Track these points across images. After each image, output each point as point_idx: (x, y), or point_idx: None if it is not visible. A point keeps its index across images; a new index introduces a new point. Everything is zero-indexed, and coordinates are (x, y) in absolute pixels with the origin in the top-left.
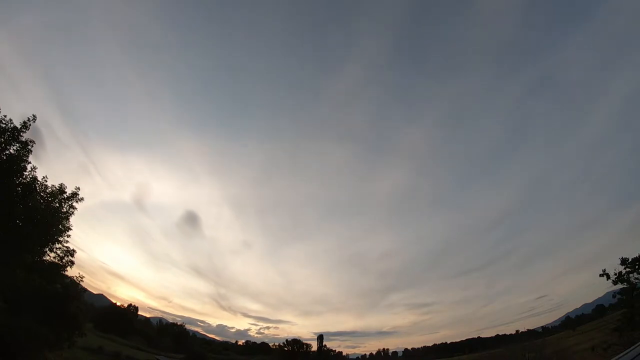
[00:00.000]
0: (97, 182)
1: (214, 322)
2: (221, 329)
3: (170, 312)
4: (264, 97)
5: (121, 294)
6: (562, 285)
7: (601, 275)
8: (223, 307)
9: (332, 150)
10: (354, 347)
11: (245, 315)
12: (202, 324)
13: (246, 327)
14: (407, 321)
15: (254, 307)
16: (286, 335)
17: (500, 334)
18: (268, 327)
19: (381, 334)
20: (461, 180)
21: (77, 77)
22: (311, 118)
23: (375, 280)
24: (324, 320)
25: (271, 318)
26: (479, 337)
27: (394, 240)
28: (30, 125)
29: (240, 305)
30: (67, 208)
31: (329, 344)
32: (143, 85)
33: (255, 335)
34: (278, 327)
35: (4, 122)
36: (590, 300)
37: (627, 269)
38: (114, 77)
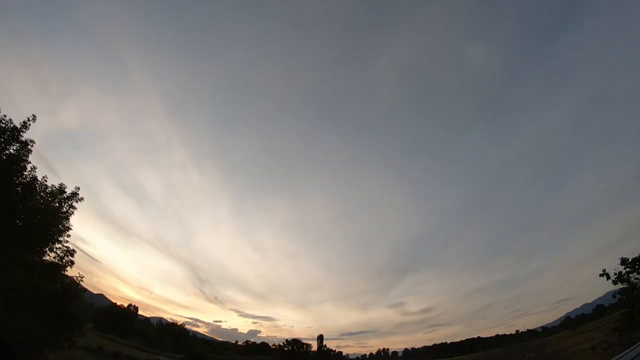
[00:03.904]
0: (32, 95)
1: (202, 317)
2: (232, 331)
3: (149, 303)
4: None
5: (102, 286)
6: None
7: (601, 275)
8: (209, 299)
9: None
10: (353, 347)
11: (236, 311)
12: (208, 326)
13: (254, 329)
14: (409, 319)
15: (242, 298)
16: (289, 335)
17: (500, 334)
18: (278, 326)
19: (382, 333)
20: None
21: None
22: None
23: (373, 266)
24: (322, 316)
25: (267, 315)
26: (479, 337)
27: (406, 191)
28: (30, 125)
29: (226, 295)
30: (67, 208)
31: (329, 344)
32: None
33: (265, 336)
34: (293, 326)
35: (3, 122)
36: (590, 300)
37: (627, 269)
38: None
